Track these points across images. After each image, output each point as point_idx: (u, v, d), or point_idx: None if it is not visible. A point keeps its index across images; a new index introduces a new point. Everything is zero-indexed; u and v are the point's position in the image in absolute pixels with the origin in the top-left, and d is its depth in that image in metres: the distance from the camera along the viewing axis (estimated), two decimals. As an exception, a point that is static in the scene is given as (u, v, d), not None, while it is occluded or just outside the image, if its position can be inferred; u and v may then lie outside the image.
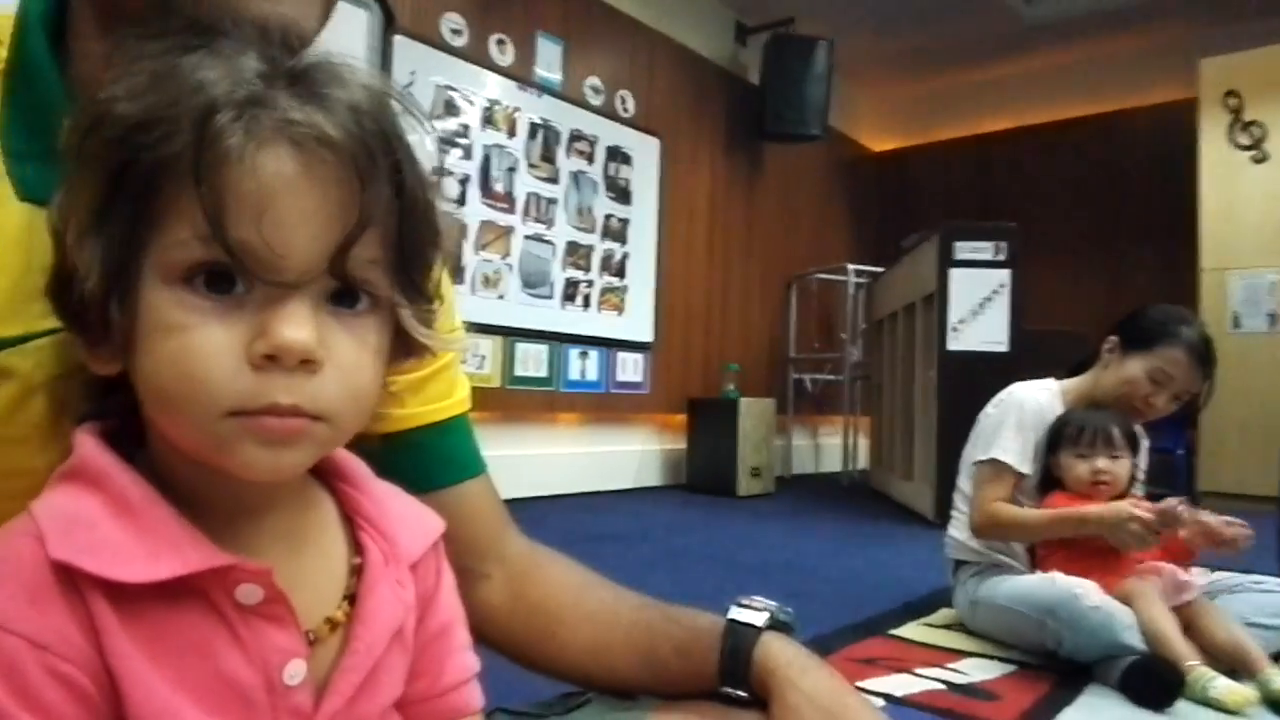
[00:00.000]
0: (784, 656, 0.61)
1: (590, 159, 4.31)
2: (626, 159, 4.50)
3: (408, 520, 0.49)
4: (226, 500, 0.42)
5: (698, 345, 4.95)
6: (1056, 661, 1.63)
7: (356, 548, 0.46)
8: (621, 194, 4.47)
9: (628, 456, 4.53)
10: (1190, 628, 1.60)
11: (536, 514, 0.52)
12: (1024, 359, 3.50)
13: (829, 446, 5.95)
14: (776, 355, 5.58)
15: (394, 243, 0.41)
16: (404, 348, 0.44)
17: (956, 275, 3.56)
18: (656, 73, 4.72)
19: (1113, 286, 5.55)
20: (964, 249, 3.57)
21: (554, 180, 4.12)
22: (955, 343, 3.55)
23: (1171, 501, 1.65)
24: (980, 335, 3.53)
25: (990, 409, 2.00)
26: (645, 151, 4.60)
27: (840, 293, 5.60)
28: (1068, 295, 5.58)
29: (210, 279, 0.37)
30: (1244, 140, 4.59)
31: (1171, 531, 1.66)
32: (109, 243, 0.37)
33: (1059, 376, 2.03)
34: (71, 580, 0.37)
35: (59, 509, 0.39)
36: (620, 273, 4.45)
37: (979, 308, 3.55)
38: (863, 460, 5.50)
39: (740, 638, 0.62)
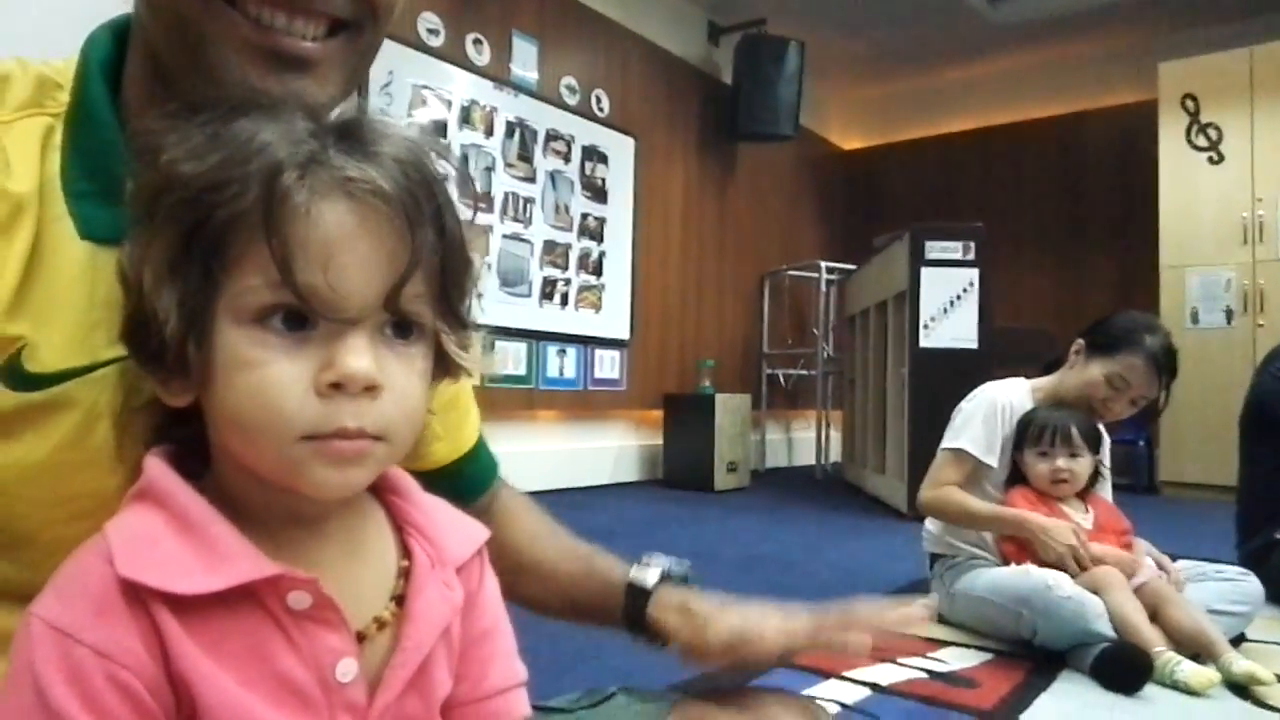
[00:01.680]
0: (676, 605, 0.73)
1: (567, 158, 4.33)
2: (602, 158, 4.53)
3: (453, 527, 0.53)
4: (287, 514, 0.46)
5: (673, 342, 5.01)
6: (1031, 650, 1.71)
7: (405, 553, 0.50)
8: (598, 193, 4.50)
9: (606, 453, 4.58)
10: (1157, 615, 1.68)
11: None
12: (993, 355, 3.61)
13: (802, 440, 6.04)
14: (750, 351, 5.65)
15: (437, 278, 0.45)
16: (442, 369, 0.49)
17: (927, 274, 3.64)
18: (631, 72, 4.75)
19: (1077, 284, 5.69)
20: (934, 248, 3.65)
21: (531, 179, 4.14)
22: (926, 340, 3.64)
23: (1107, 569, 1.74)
24: (950, 332, 3.62)
25: (964, 404, 2.08)
26: (621, 150, 4.64)
27: (812, 289, 5.69)
28: (1034, 293, 5.72)
29: (281, 319, 0.41)
30: (1201, 142, 4.74)
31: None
32: (185, 290, 0.41)
33: (1030, 374, 2.11)
34: (137, 595, 0.40)
35: (127, 528, 0.43)
36: (597, 271, 4.49)
37: (949, 306, 3.64)
38: (835, 454, 5.59)
39: (638, 595, 0.74)
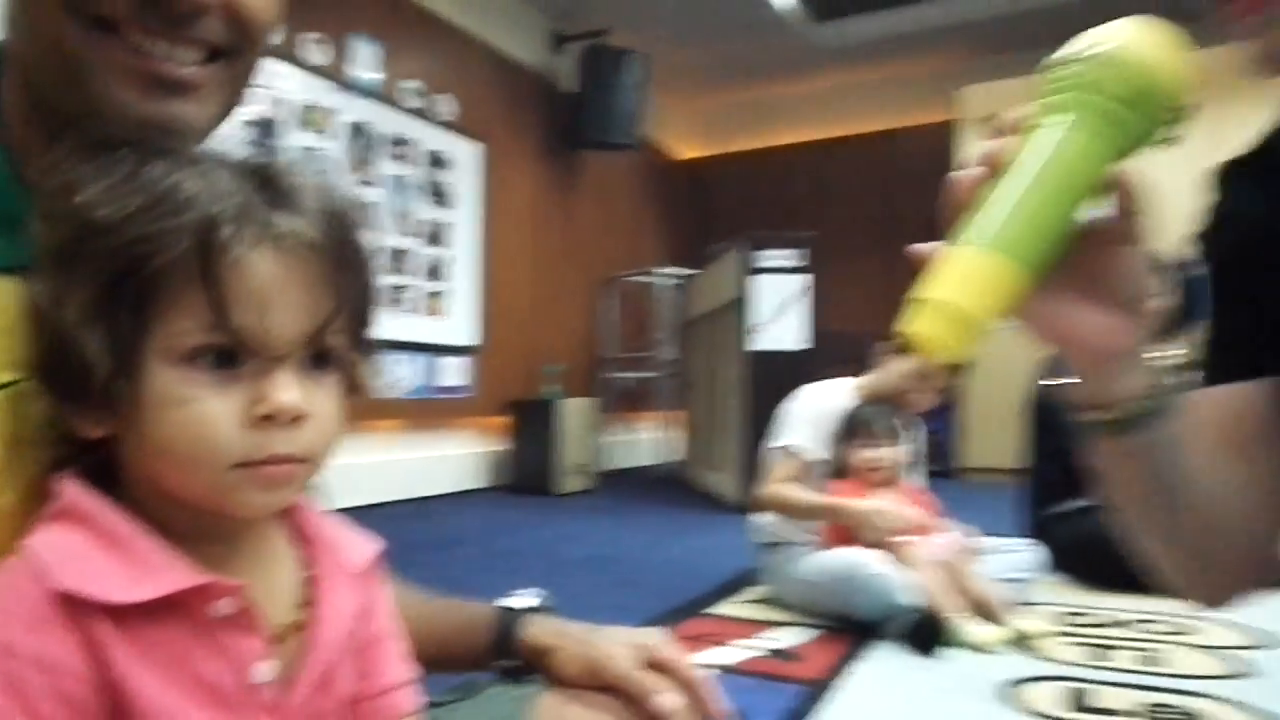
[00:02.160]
0: (546, 629, 0.77)
1: (411, 163, 4.29)
2: (447, 163, 4.51)
3: (349, 540, 0.58)
4: (201, 531, 0.49)
5: (520, 348, 5.04)
6: (850, 623, 1.90)
7: (307, 563, 0.55)
8: (443, 198, 4.48)
9: (452, 460, 4.55)
10: (955, 585, 1.91)
11: (362, 523, 0.54)
12: (821, 357, 3.88)
13: (644, 441, 6.22)
14: (595, 355, 5.77)
15: (353, 314, 0.50)
16: (351, 392, 0.53)
17: (760, 281, 3.88)
18: (475, 78, 4.76)
19: (893, 289, 6.15)
20: (767, 257, 3.89)
21: (373, 184, 4.07)
22: (760, 343, 3.87)
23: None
24: (782, 335, 3.87)
25: (789, 404, 2.26)
26: (466, 156, 4.63)
27: (654, 294, 5.88)
28: (858, 297, 6.15)
29: (212, 358, 0.45)
30: (996, 161, 5.27)
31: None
32: (115, 332, 0.44)
33: (854, 375, 2.33)
34: (70, 607, 0.43)
35: (54, 545, 0.45)
36: (443, 277, 4.46)
37: (781, 311, 3.89)
38: (677, 454, 5.80)
39: (508, 621, 0.77)
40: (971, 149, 4.51)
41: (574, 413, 4.59)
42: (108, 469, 0.49)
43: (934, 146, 5.92)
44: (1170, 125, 0.46)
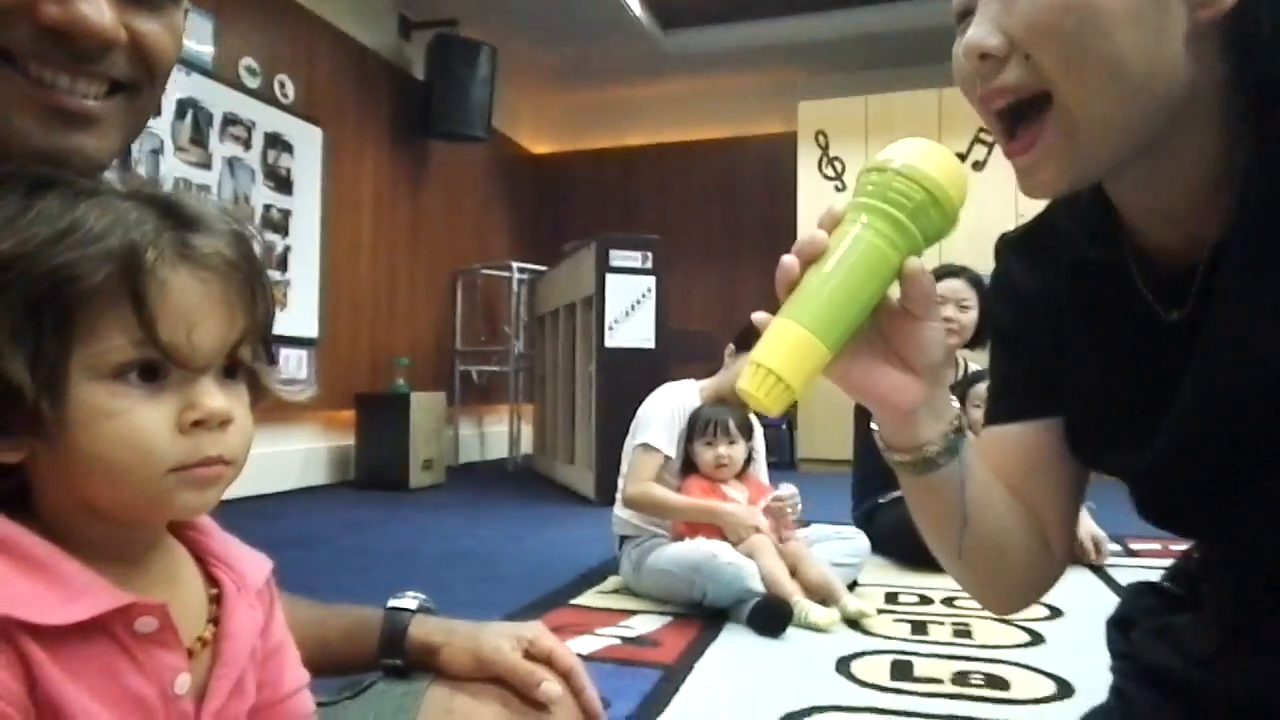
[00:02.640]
0: (433, 626, 0.81)
1: (247, 145, 4.08)
2: (287, 147, 4.32)
3: (247, 558, 0.61)
4: (113, 552, 0.52)
5: (365, 340, 4.91)
6: (702, 610, 2.02)
7: (210, 580, 0.58)
8: (282, 183, 4.29)
9: (292, 456, 4.38)
10: (795, 571, 2.08)
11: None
12: (668, 354, 4.04)
13: (494, 434, 6.21)
14: (444, 348, 5.69)
15: (259, 327, 0.54)
16: (254, 398, 0.57)
17: (612, 280, 3.98)
18: (318, 59, 4.58)
19: (734, 290, 6.47)
20: (618, 257, 4.00)
21: (206, 166, 3.85)
22: (611, 340, 3.97)
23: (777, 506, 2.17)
24: (632, 334, 3.99)
25: (645, 405, 2.37)
26: (307, 140, 4.45)
27: (505, 288, 5.87)
28: (701, 297, 6.40)
29: (139, 372, 0.48)
30: (829, 172, 5.64)
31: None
32: (38, 357, 0.46)
33: (699, 375, 2.46)
34: (1, 629, 0.45)
35: None
36: (282, 266, 4.28)
37: (631, 309, 4.01)
38: (527, 446, 5.83)
39: (397, 620, 0.82)
40: (806, 162, 4.80)
41: (423, 407, 4.53)
42: (17, 496, 0.50)
43: (775, 156, 6.24)
44: (946, 231, 0.59)
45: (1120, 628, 0.87)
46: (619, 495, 2.35)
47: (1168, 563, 0.86)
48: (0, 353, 0.46)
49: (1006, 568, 0.75)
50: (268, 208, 4.20)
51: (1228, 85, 0.58)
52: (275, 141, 4.24)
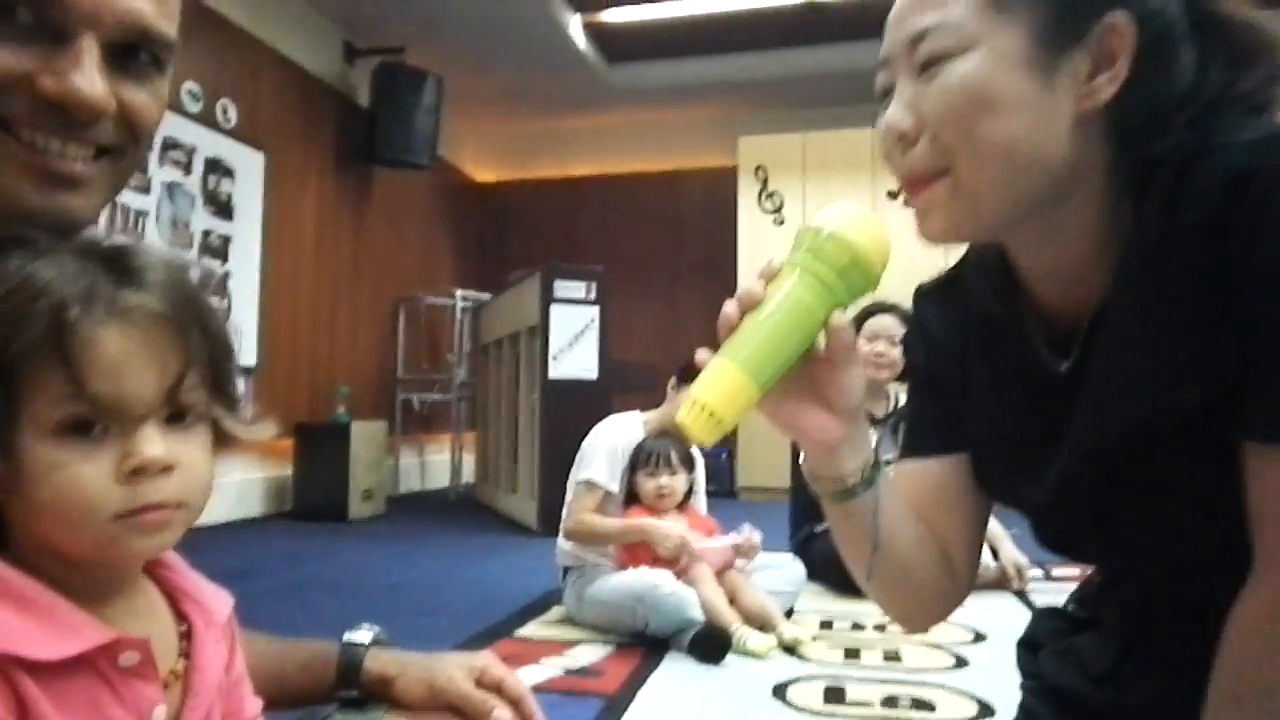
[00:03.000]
0: (388, 659, 0.84)
1: (187, 169, 4.03)
2: (228, 172, 4.28)
3: (212, 594, 0.64)
4: (91, 590, 0.54)
5: (305, 368, 4.85)
6: (645, 638, 2.07)
7: (180, 617, 0.61)
8: (222, 209, 4.25)
9: (226, 487, 4.29)
10: (733, 599, 2.14)
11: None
12: (610, 385, 4.10)
13: (436, 463, 6.16)
14: (386, 377, 5.65)
15: (207, 371, 0.57)
16: (222, 440, 0.60)
17: (556, 310, 4.03)
18: (262, 84, 4.56)
19: (676, 320, 6.57)
20: (562, 287, 4.05)
21: (145, 190, 3.79)
22: (555, 370, 4.01)
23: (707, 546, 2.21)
24: (575, 364, 4.04)
25: (589, 439, 2.43)
26: (249, 165, 4.42)
27: (448, 316, 5.86)
28: (643, 328, 6.48)
29: (79, 425, 0.51)
30: (769, 205, 5.79)
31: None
32: None
33: (643, 408, 2.53)
34: None
35: None
36: (220, 292, 4.22)
37: (574, 340, 4.06)
38: (469, 475, 5.80)
39: (353, 653, 0.84)
40: (746, 195, 4.91)
41: (364, 436, 4.49)
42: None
43: (716, 189, 6.38)
44: (868, 290, 0.67)
45: (1029, 648, 0.95)
46: (563, 527, 2.38)
47: (1084, 587, 0.94)
48: None
49: (913, 588, 0.82)
50: (207, 233, 4.15)
51: (1109, 165, 0.66)
52: (216, 166, 4.21)
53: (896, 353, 2.77)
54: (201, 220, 4.12)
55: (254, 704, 0.67)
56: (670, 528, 2.20)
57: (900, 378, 2.83)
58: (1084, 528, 0.75)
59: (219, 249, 4.22)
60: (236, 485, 4.35)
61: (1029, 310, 0.75)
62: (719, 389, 0.63)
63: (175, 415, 0.54)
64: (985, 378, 0.80)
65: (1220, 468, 0.62)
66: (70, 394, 0.49)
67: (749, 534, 2.28)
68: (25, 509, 0.51)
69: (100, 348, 0.50)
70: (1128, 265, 0.66)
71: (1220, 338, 0.59)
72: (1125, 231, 0.66)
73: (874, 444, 0.75)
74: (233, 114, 4.33)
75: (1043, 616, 0.97)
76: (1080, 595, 0.93)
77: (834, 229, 0.65)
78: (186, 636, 0.60)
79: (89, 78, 0.58)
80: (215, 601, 0.63)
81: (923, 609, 0.85)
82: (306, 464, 4.46)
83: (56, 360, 0.49)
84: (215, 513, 4.14)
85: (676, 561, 2.17)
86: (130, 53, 0.61)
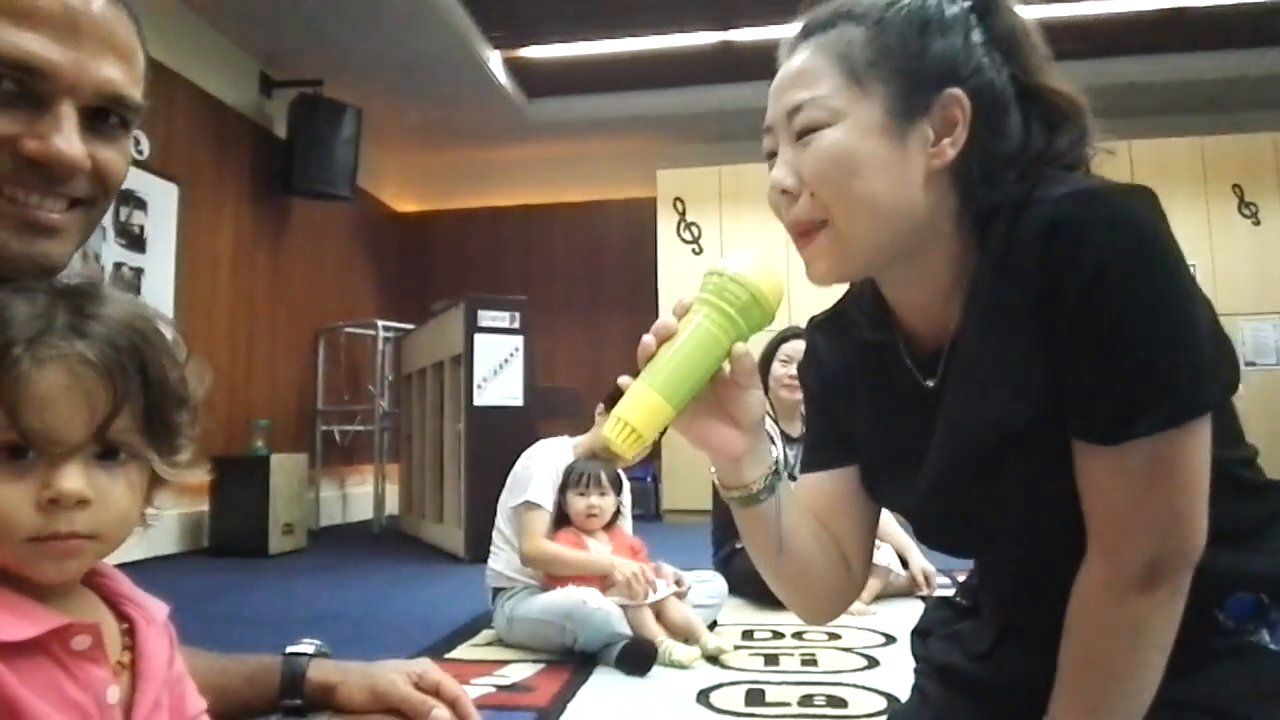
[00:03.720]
0: (330, 667, 0.90)
1: (97, 201, 3.94)
2: (141, 204, 4.21)
3: (148, 599, 0.70)
4: (29, 592, 0.60)
5: (221, 401, 4.75)
6: (573, 654, 2.13)
7: (120, 618, 0.66)
8: (135, 241, 4.17)
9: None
10: (659, 614, 2.22)
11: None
12: (536, 411, 4.15)
13: (358, 495, 6.08)
14: (306, 409, 5.57)
15: (143, 415, 0.62)
16: (159, 479, 0.66)
17: (480, 340, 4.07)
18: (176, 116, 4.50)
19: (598, 348, 6.66)
20: (486, 317, 4.10)
21: (52, 223, 3.70)
22: (480, 398, 4.04)
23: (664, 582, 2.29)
24: (501, 392, 4.08)
25: (523, 460, 2.48)
26: (162, 197, 4.35)
27: (369, 346, 5.82)
28: (567, 354, 6.56)
29: (14, 450, 0.57)
30: (687, 236, 5.97)
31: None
32: None
33: (567, 430, 2.61)
34: None
35: None
36: (133, 325, 4.12)
37: (499, 368, 4.11)
38: (392, 507, 5.74)
39: (296, 664, 0.89)
40: (665, 226, 5.08)
41: (284, 469, 4.42)
42: None
43: (636, 219, 6.54)
44: (766, 324, 0.78)
45: (921, 636, 1.07)
46: (493, 550, 2.43)
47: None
48: None
49: (813, 584, 0.93)
50: (119, 265, 4.06)
51: (957, 214, 0.79)
52: (128, 198, 4.13)
53: None
54: (113, 253, 4.03)
55: (197, 701, 0.71)
56: (632, 564, 2.26)
57: None
58: (956, 527, 0.87)
59: (131, 282, 4.13)
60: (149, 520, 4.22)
61: (900, 337, 0.88)
62: (639, 409, 0.73)
63: (107, 453, 0.60)
64: (868, 396, 0.92)
65: (1061, 468, 0.74)
66: (5, 424, 0.55)
67: (679, 575, 2.37)
68: None
69: (33, 386, 0.56)
70: (974, 298, 0.78)
71: (1049, 356, 0.72)
72: (972, 270, 0.79)
73: (784, 458, 0.86)
74: (146, 146, 4.25)
75: (933, 607, 1.10)
76: (965, 587, 1.06)
77: (734, 272, 0.76)
78: (129, 634, 0.65)
79: (69, 140, 0.65)
80: (152, 604, 0.69)
81: (823, 603, 0.96)
82: (224, 499, 4.35)
83: None
84: (126, 552, 4.01)
85: (605, 579, 2.24)
86: (101, 115, 0.69)
